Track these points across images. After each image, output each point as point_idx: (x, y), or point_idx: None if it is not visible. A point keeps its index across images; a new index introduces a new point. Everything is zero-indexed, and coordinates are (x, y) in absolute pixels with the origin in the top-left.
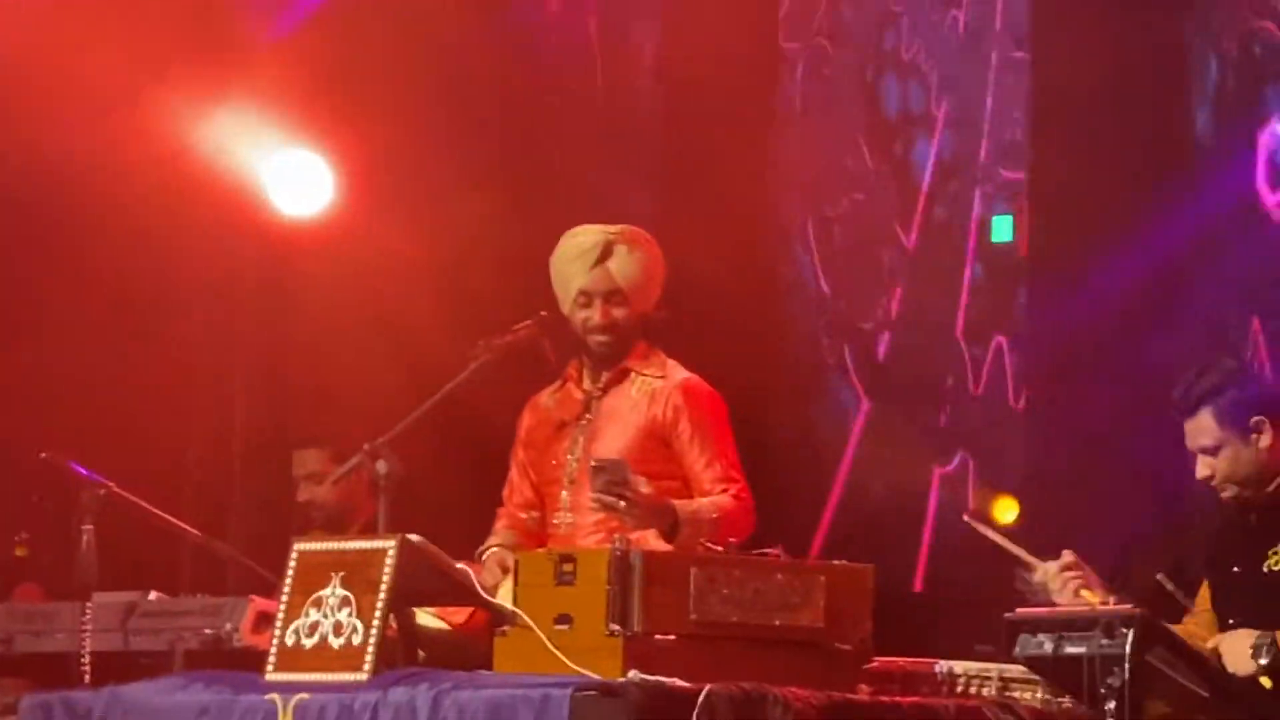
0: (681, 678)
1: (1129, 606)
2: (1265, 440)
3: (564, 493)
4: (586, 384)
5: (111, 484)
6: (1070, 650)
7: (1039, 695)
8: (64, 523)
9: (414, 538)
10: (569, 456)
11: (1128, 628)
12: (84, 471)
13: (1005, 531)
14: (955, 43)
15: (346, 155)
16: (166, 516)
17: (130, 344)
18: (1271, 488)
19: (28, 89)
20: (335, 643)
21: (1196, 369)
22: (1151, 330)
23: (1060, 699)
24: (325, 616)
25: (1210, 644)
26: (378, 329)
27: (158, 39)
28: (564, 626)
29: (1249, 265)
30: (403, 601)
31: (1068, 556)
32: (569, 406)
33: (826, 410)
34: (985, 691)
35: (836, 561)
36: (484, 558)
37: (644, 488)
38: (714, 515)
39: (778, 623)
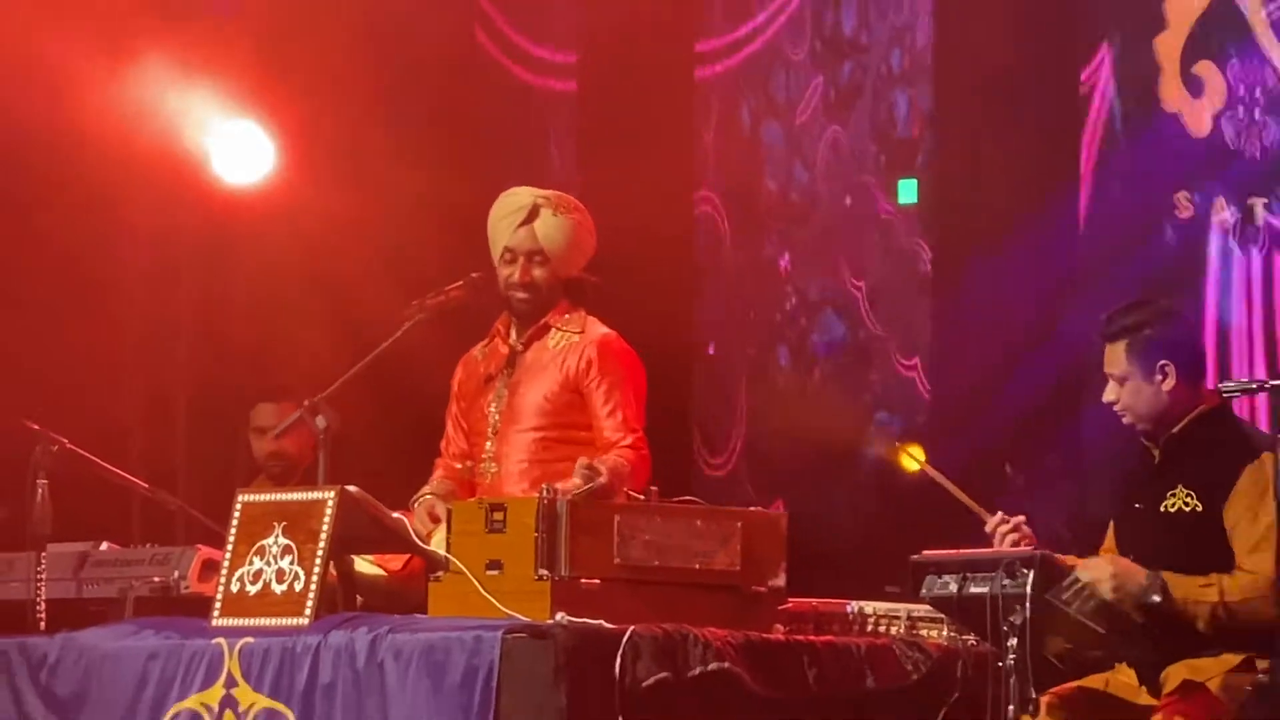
0: (606, 619)
1: (1029, 549)
2: (1168, 384)
3: (489, 443)
4: (512, 339)
5: (64, 440)
6: (974, 590)
7: (945, 633)
8: (19, 477)
9: (352, 489)
10: (492, 408)
11: (1028, 568)
12: (36, 428)
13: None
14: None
15: (287, 125)
16: (116, 470)
17: (79, 308)
18: (1176, 429)
19: None
20: (278, 589)
21: (1132, 302)
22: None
23: (965, 636)
24: (268, 564)
25: (1091, 570)
26: (316, 291)
27: (102, 13)
28: (495, 572)
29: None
30: (342, 549)
31: (995, 518)
32: (495, 361)
33: (740, 368)
34: (894, 630)
35: (752, 508)
36: (414, 505)
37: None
38: (627, 468)
39: (697, 566)
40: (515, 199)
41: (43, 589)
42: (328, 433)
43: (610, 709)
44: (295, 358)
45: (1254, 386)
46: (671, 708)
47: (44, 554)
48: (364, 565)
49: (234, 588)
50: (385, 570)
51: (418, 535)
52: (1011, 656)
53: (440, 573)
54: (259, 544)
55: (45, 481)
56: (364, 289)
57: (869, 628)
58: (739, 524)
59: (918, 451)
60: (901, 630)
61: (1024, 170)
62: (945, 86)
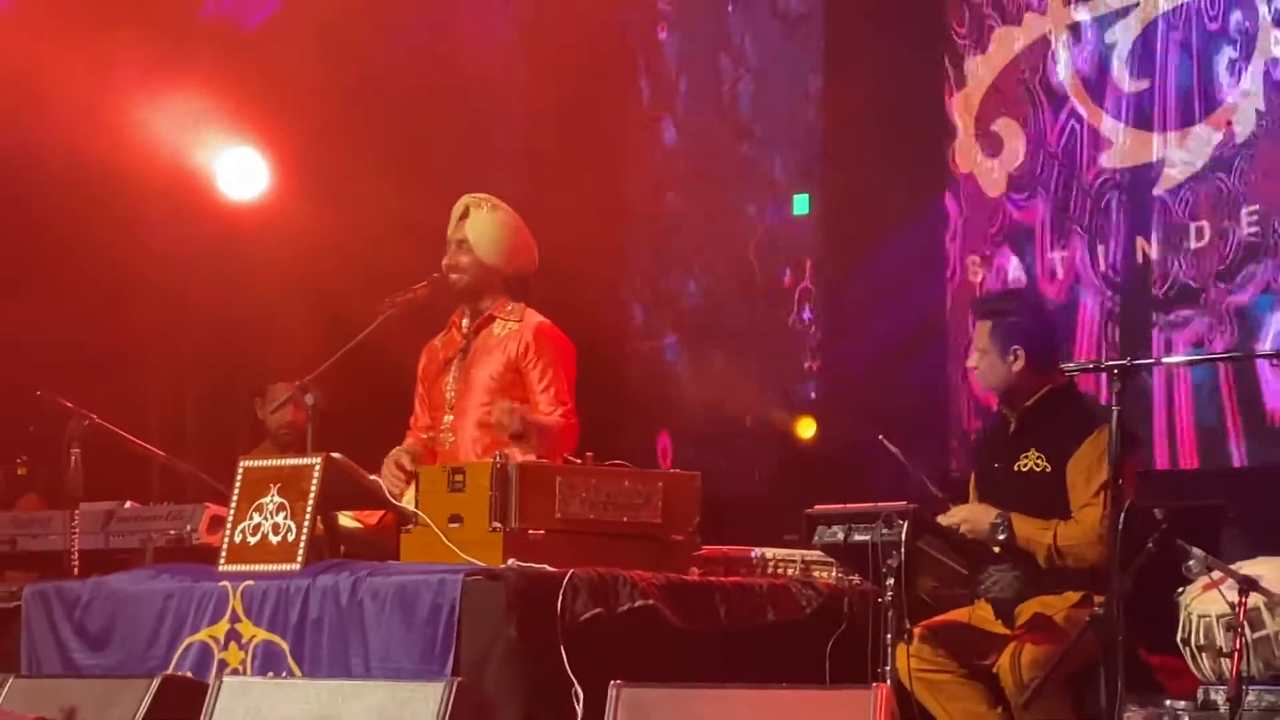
0: (550, 564)
1: (903, 503)
2: (1017, 365)
3: (447, 416)
4: (464, 328)
5: (94, 415)
6: (857, 538)
7: (833, 574)
8: (56, 447)
9: (336, 455)
10: (449, 388)
11: (903, 520)
12: (71, 405)
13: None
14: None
15: (280, 151)
16: (137, 440)
17: (106, 303)
18: (1030, 402)
19: (32, 97)
20: (274, 540)
21: (1008, 290)
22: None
23: (850, 577)
24: (265, 519)
25: (951, 516)
26: (305, 289)
27: (126, 57)
28: (456, 524)
29: None
30: (327, 506)
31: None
32: (451, 348)
33: (660, 352)
34: (791, 572)
35: (671, 470)
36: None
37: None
38: (552, 427)
39: (625, 519)
40: (460, 203)
41: (76, 541)
42: (315, 408)
43: (553, 639)
44: (287, 345)
45: (1090, 366)
46: (604, 638)
47: (77, 511)
48: (346, 520)
49: (237, 539)
50: (363, 524)
51: (390, 493)
52: (889, 594)
53: (410, 525)
54: (258, 502)
55: (78, 450)
56: (344, 287)
57: (770, 570)
58: (660, 483)
59: (810, 422)
60: (797, 572)
61: (902, 184)
62: (833, 116)
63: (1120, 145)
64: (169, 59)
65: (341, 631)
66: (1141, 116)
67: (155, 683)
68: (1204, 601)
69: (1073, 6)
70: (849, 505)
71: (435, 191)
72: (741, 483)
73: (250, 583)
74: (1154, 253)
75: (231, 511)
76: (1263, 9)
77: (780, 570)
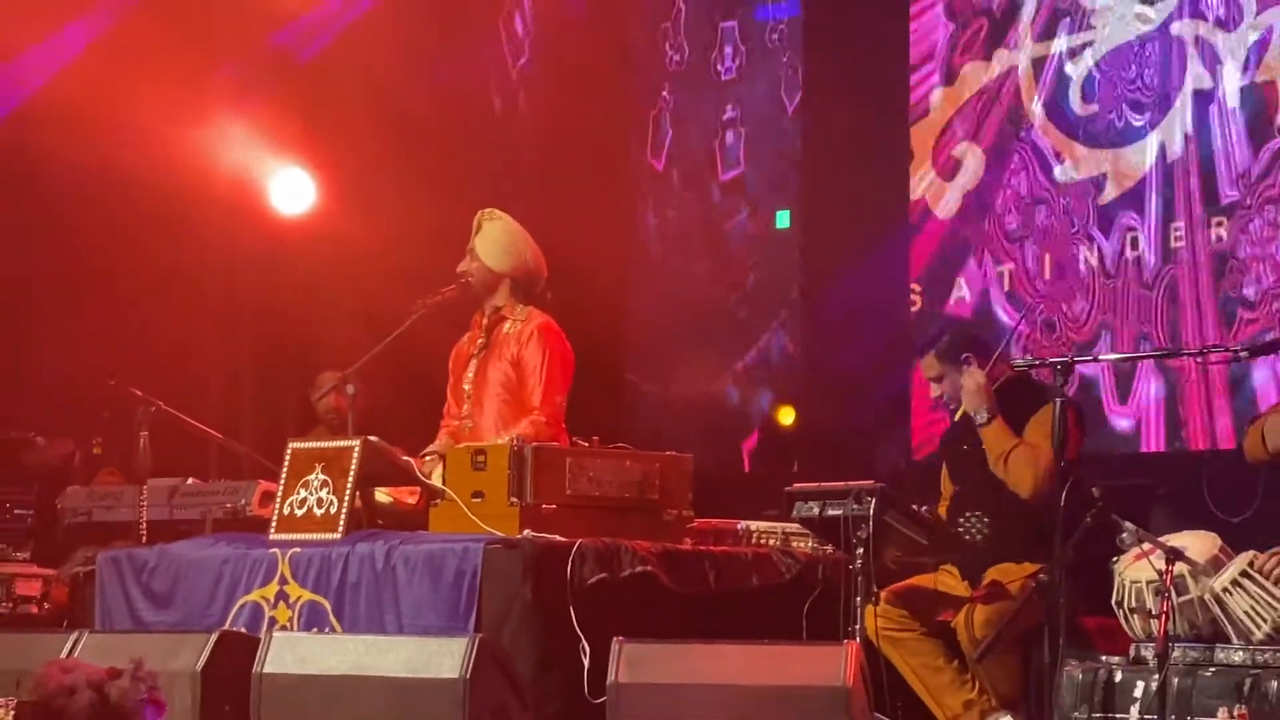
0: (560, 534)
1: (871, 482)
2: (1019, 366)
3: (466, 406)
4: (482, 326)
5: (160, 402)
6: (831, 513)
7: (810, 544)
8: (127, 430)
9: (373, 438)
10: (467, 381)
11: (871, 497)
12: (140, 393)
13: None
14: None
15: (324, 170)
16: (198, 424)
17: (173, 303)
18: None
19: (112, 123)
20: (318, 512)
21: (939, 324)
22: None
23: (825, 547)
24: (311, 494)
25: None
26: (346, 291)
27: (192, 84)
28: (478, 499)
29: None
30: (365, 483)
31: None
32: (472, 344)
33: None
34: (772, 542)
35: (668, 453)
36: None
37: None
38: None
39: (626, 496)
40: (476, 217)
41: (144, 513)
42: (355, 397)
43: (563, 601)
44: (332, 340)
45: (1037, 363)
46: (608, 600)
47: (145, 487)
48: (381, 495)
49: (285, 511)
50: (397, 499)
51: (423, 474)
52: (859, 562)
53: (438, 500)
54: (304, 479)
55: (146, 433)
56: (382, 290)
57: (754, 540)
58: (657, 464)
59: (790, 410)
60: (778, 542)
61: (869, 204)
62: (811, 139)
63: (1070, 162)
64: (229, 89)
65: (377, 593)
66: (1090, 137)
67: (213, 637)
68: (1135, 570)
69: (1034, 46)
70: (823, 484)
71: (460, 205)
72: (729, 463)
73: (297, 550)
74: (1094, 259)
75: (281, 487)
76: (1190, 49)
77: (763, 541)
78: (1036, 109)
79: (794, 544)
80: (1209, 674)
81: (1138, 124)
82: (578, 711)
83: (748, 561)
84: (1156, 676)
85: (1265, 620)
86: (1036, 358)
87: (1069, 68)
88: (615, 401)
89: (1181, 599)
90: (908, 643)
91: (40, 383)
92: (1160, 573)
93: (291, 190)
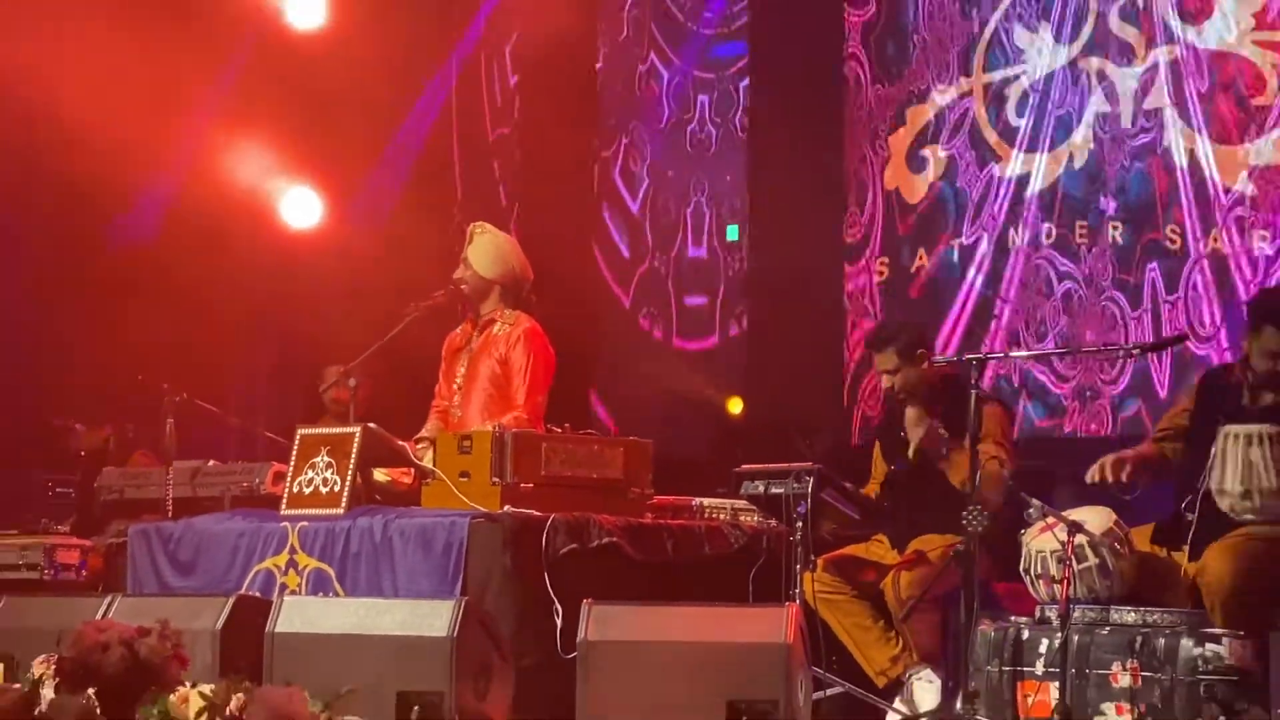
0: (536, 510)
1: (809, 464)
2: (924, 364)
3: (457, 396)
4: (475, 324)
5: (185, 393)
6: (775, 490)
7: (756, 519)
8: (155, 417)
9: (372, 426)
10: (459, 376)
11: (809, 477)
12: (166, 385)
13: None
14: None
15: (330, 189)
16: (218, 411)
17: (198, 307)
18: (928, 397)
19: (143, 152)
20: (324, 491)
21: (882, 323)
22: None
23: (769, 521)
24: (317, 474)
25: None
26: (349, 298)
27: (212, 110)
28: (465, 479)
29: None
30: (365, 465)
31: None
32: (464, 338)
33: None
34: (722, 516)
35: (630, 437)
36: (414, 442)
37: None
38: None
39: (594, 476)
40: (469, 229)
41: (170, 491)
42: (357, 389)
43: (539, 568)
44: (336, 339)
45: (956, 359)
46: (579, 567)
47: (171, 468)
48: (379, 475)
49: (294, 489)
50: (394, 479)
51: (416, 457)
52: (798, 534)
53: (429, 480)
54: (311, 461)
55: (172, 420)
56: (380, 295)
57: (706, 515)
58: (621, 448)
59: (738, 401)
60: (728, 517)
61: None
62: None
63: (1008, 162)
64: (248, 120)
65: (375, 562)
66: (1028, 142)
67: (231, 600)
68: (1040, 541)
69: (975, 78)
70: (768, 465)
71: (450, 220)
72: (686, 446)
73: (305, 524)
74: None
75: (290, 468)
76: (1093, 80)
77: (714, 515)
78: (983, 120)
79: (741, 518)
80: (1105, 632)
81: (1058, 137)
82: (552, 665)
83: (701, 534)
84: (1059, 634)
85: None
86: (956, 355)
87: (1007, 91)
88: (584, 393)
89: (1081, 566)
90: (841, 604)
91: (81, 377)
92: (1062, 543)
93: (301, 207)
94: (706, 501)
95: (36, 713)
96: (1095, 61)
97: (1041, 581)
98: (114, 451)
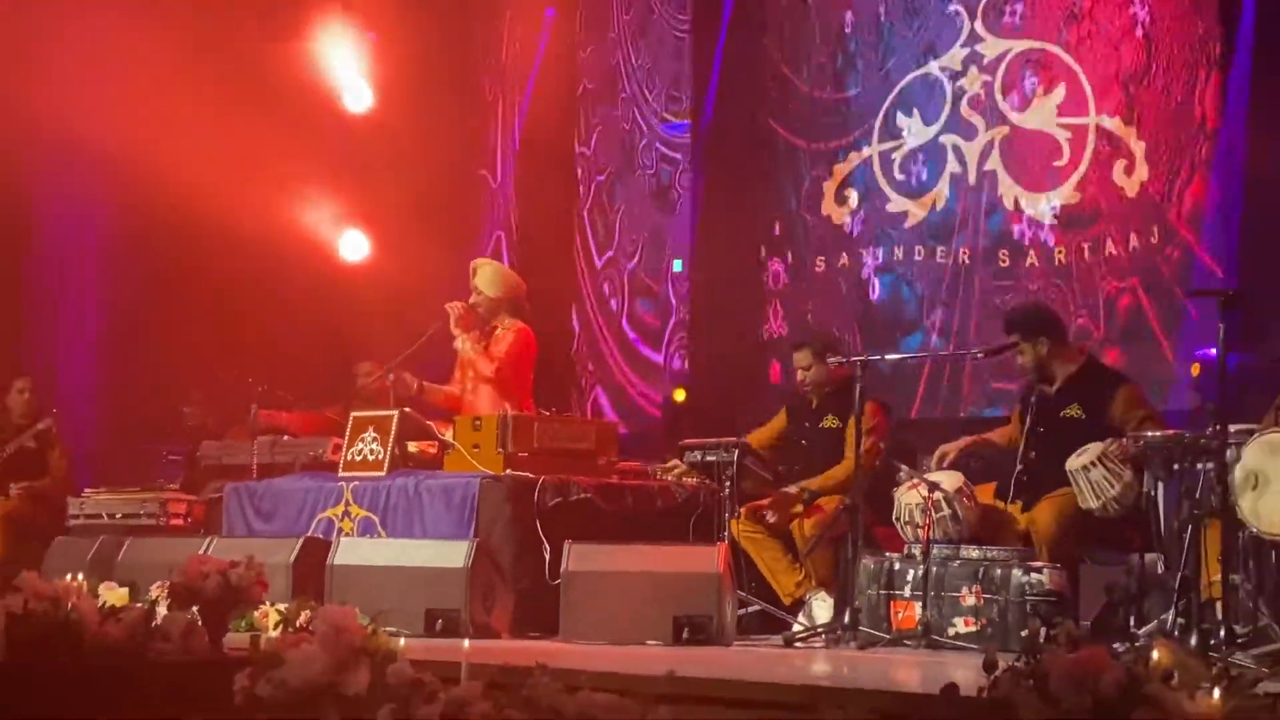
0: (531, 473)
1: (735, 439)
2: (833, 363)
3: (468, 383)
4: (486, 330)
5: (264, 385)
6: (709, 459)
7: (695, 479)
8: (244, 407)
9: (407, 410)
10: (470, 372)
11: (735, 449)
12: (250, 380)
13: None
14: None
15: (375, 232)
16: (290, 398)
17: (273, 321)
18: (829, 388)
19: (228, 198)
20: (370, 458)
21: (809, 328)
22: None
23: (707, 482)
24: (365, 446)
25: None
26: (388, 314)
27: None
28: (476, 449)
29: None
30: (401, 439)
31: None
32: (477, 340)
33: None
34: (670, 478)
35: (602, 420)
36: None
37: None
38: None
39: (574, 447)
40: (473, 265)
41: (255, 458)
42: (394, 383)
43: (532, 516)
44: (377, 343)
45: (844, 360)
46: (562, 516)
47: (255, 441)
48: (412, 446)
49: (349, 458)
50: (422, 449)
51: (440, 434)
52: (727, 490)
53: (450, 450)
54: (361, 435)
55: (256, 405)
56: (412, 305)
57: (658, 476)
58: (594, 428)
59: (681, 391)
60: (674, 478)
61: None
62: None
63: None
64: (310, 179)
65: (409, 511)
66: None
67: (300, 541)
68: (909, 496)
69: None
70: (705, 440)
71: (464, 254)
72: (644, 426)
73: (356, 483)
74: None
75: (345, 442)
76: (949, 150)
77: (664, 477)
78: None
79: (685, 480)
80: (956, 565)
81: (931, 185)
82: (541, 589)
83: (654, 491)
84: (922, 566)
85: (1111, 488)
86: (849, 358)
87: (893, 155)
88: (566, 383)
89: (938, 515)
90: (759, 542)
91: (187, 371)
92: (924, 498)
93: (353, 246)
94: (658, 467)
95: (153, 625)
96: (951, 137)
97: (909, 527)
98: (212, 427)
